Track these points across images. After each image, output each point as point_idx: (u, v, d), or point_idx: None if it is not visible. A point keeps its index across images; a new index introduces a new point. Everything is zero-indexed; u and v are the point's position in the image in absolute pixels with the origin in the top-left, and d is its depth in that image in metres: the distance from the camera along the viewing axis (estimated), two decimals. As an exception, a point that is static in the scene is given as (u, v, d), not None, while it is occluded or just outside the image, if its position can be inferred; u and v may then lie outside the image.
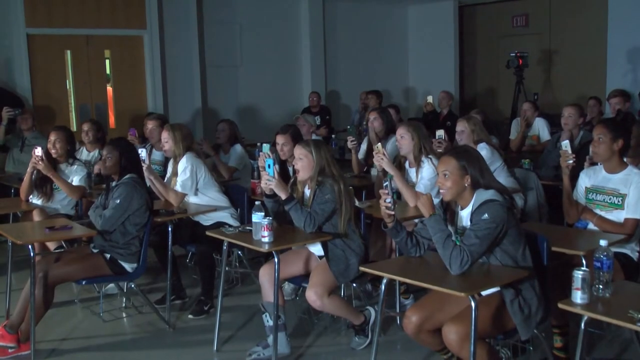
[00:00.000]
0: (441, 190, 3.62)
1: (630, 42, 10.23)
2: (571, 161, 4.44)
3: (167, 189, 5.35)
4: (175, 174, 5.40)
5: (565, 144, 4.59)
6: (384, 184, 3.81)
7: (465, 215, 3.61)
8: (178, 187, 5.33)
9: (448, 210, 3.73)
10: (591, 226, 4.28)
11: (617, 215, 4.18)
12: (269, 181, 4.27)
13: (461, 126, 5.75)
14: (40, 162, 5.37)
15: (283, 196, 4.29)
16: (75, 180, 5.69)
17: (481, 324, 3.31)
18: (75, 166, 5.73)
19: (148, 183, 5.19)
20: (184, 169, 5.32)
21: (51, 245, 5.40)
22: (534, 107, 7.88)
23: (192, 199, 5.42)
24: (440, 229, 3.51)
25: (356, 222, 4.41)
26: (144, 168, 5.11)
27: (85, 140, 6.87)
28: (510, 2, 12.35)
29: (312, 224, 4.25)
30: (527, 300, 3.45)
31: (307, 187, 4.45)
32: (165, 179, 5.56)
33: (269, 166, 4.27)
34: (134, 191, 4.69)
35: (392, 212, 3.74)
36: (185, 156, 5.36)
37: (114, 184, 4.79)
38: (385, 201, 3.71)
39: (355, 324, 4.50)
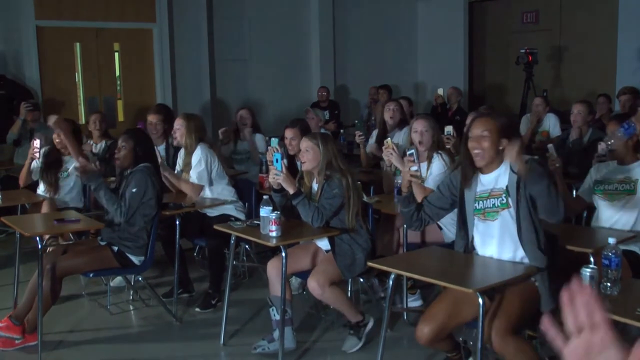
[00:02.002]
0: (475, 151, 3.47)
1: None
2: (558, 165, 4.43)
3: (184, 183, 5.36)
4: (187, 165, 5.40)
5: (551, 148, 4.61)
6: (409, 152, 3.85)
7: (492, 178, 3.52)
8: (194, 179, 5.34)
9: (466, 184, 3.63)
10: (622, 215, 4.21)
11: (629, 200, 4.17)
12: (277, 175, 4.26)
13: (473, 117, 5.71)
14: (36, 154, 5.42)
15: (291, 191, 4.28)
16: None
17: (515, 311, 3.29)
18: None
19: (165, 181, 5.27)
20: (199, 160, 5.32)
21: (66, 238, 5.42)
22: (545, 103, 7.83)
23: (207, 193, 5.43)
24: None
25: (364, 217, 4.41)
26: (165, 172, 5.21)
27: (95, 131, 6.90)
28: (521, -2, 12.31)
29: (319, 218, 4.25)
30: (552, 273, 3.42)
31: (315, 181, 4.45)
32: (176, 170, 5.56)
33: (277, 160, 4.27)
34: (148, 180, 4.69)
35: (419, 180, 3.86)
36: (198, 147, 5.36)
37: (128, 171, 4.77)
38: (410, 169, 3.81)
39: (352, 322, 4.46)
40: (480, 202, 3.55)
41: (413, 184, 3.88)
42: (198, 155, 5.34)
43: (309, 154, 4.34)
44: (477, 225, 3.59)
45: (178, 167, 5.56)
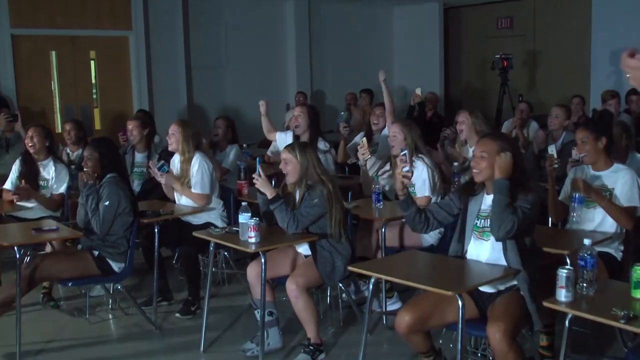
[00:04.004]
0: (474, 171, 3.63)
1: (614, 43, 10.29)
2: (556, 165, 4.48)
3: (189, 192, 5.33)
4: (184, 171, 5.37)
5: (551, 149, 4.66)
6: (402, 153, 3.87)
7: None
8: (197, 189, 5.30)
9: (463, 194, 3.76)
10: (586, 214, 4.28)
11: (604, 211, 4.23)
12: (255, 180, 4.30)
13: (462, 117, 5.79)
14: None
15: (269, 195, 4.31)
16: (60, 188, 5.71)
17: (514, 316, 3.35)
18: (58, 168, 5.73)
19: (166, 190, 5.34)
20: (199, 168, 5.29)
21: (46, 248, 5.36)
22: (530, 109, 7.96)
23: (183, 201, 5.42)
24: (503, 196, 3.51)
25: (344, 225, 4.42)
26: (162, 177, 5.24)
27: (68, 140, 6.82)
28: (495, 4, 12.41)
29: (294, 224, 4.27)
30: (536, 291, 3.46)
31: (297, 189, 4.46)
32: None
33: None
34: (119, 190, 4.68)
35: (409, 181, 3.82)
36: (197, 156, 5.34)
37: (98, 185, 4.75)
38: (402, 170, 3.77)
39: (311, 340, 4.36)
40: (481, 220, 3.64)
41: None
42: (197, 164, 5.31)
43: (288, 166, 4.37)
44: (472, 242, 3.68)
45: (176, 173, 5.51)
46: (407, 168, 3.81)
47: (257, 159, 4.38)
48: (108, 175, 4.73)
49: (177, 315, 5.17)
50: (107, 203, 4.63)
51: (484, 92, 12.44)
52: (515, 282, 3.50)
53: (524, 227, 3.46)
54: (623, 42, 10.23)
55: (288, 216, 4.28)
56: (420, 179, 5.05)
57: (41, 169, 5.76)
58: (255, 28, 11.31)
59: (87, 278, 4.73)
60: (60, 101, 9.55)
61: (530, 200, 3.47)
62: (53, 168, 5.75)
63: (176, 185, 5.37)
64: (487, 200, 3.64)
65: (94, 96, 9.92)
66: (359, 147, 5.39)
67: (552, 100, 10.01)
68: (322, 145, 5.87)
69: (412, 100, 9.94)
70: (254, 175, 4.32)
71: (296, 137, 5.99)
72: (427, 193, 5.02)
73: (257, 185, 4.33)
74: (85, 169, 4.77)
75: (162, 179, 5.37)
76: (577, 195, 4.15)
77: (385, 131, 6.18)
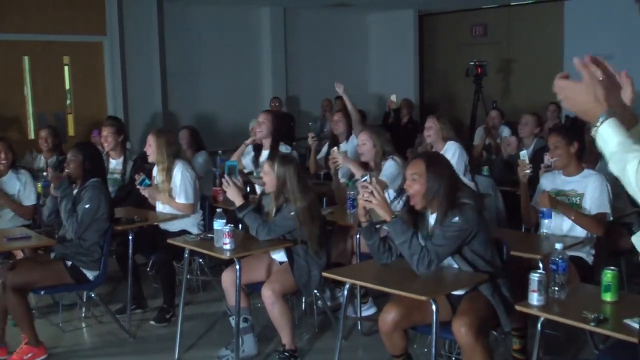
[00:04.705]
0: (410, 192, 3.61)
1: (585, 51, 10.15)
2: (528, 171, 4.53)
3: (174, 203, 5.30)
4: (164, 182, 5.32)
5: (523, 155, 4.70)
6: (363, 179, 3.83)
7: (435, 219, 3.61)
8: (182, 199, 5.27)
9: (413, 213, 3.74)
10: (555, 219, 4.31)
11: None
12: (224, 186, 4.32)
13: (430, 122, 5.84)
14: None
15: (237, 203, 4.32)
16: (29, 198, 5.66)
17: (479, 312, 3.38)
18: (22, 179, 5.69)
19: (153, 202, 5.34)
20: (181, 178, 5.26)
21: (18, 254, 5.30)
22: (501, 116, 8.04)
23: (159, 207, 5.40)
24: (403, 231, 3.52)
25: (321, 239, 4.40)
26: (145, 191, 5.25)
27: (44, 147, 6.77)
28: (470, 12, 12.50)
29: (264, 231, 4.28)
30: (504, 293, 3.51)
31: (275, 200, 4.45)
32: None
33: (229, 173, 4.31)
34: (101, 195, 4.66)
35: (372, 204, 3.63)
36: (178, 165, 5.30)
37: (78, 188, 4.72)
38: (364, 195, 3.60)
39: (285, 347, 4.36)
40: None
41: (372, 209, 3.72)
42: (180, 173, 5.27)
43: (266, 177, 4.38)
44: None
45: (155, 183, 5.47)
46: (366, 177, 3.77)
47: (226, 163, 4.37)
48: (92, 179, 4.70)
49: (152, 323, 5.15)
50: (87, 206, 4.59)
51: (459, 99, 12.52)
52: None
53: (461, 249, 3.49)
54: (595, 49, 10.33)
55: (257, 222, 4.29)
56: (388, 172, 5.09)
57: (3, 186, 5.66)
58: (230, 34, 11.29)
59: (60, 286, 4.69)
60: (34, 107, 9.44)
61: (459, 224, 3.43)
62: (17, 181, 5.69)
63: (160, 198, 5.35)
64: (431, 219, 3.64)
65: (68, 102, 9.83)
66: (330, 157, 5.41)
67: (526, 106, 10.10)
68: (283, 148, 5.88)
69: (387, 106, 10.01)
70: (223, 181, 4.32)
71: (257, 146, 6.01)
72: (388, 184, 5.02)
73: (227, 193, 4.32)
74: (66, 170, 4.74)
75: (145, 193, 5.34)
76: (545, 210, 4.20)
77: (355, 140, 6.21)
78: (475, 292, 3.54)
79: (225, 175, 4.36)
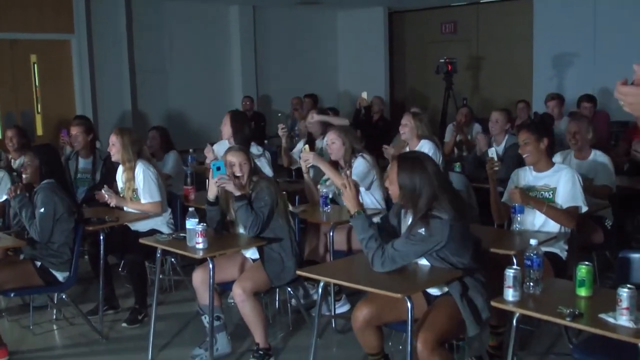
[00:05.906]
0: (390, 193, 3.63)
1: (555, 48, 10.54)
2: (497, 168, 4.55)
3: (139, 205, 5.23)
4: (129, 181, 5.25)
5: (492, 152, 4.73)
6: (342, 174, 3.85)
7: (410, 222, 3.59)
8: (147, 199, 5.20)
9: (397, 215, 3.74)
10: (527, 215, 4.33)
11: None
12: (222, 180, 4.25)
13: (406, 120, 5.85)
14: None
15: (237, 193, 4.28)
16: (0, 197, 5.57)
17: (440, 324, 3.36)
18: None
19: (113, 203, 5.20)
20: (144, 177, 5.19)
21: None
22: (470, 112, 8.08)
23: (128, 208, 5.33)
24: (364, 228, 3.53)
25: (287, 214, 4.44)
26: (111, 201, 5.14)
27: (10, 147, 6.65)
28: (439, 9, 12.56)
29: (256, 226, 4.26)
30: (473, 297, 3.48)
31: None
32: (119, 186, 5.42)
33: (218, 168, 4.28)
34: (54, 196, 4.58)
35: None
36: (139, 164, 5.23)
37: (32, 193, 4.66)
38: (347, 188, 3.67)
39: (259, 345, 4.34)
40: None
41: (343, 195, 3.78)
42: (142, 173, 5.20)
43: (243, 169, 4.39)
44: None
45: (120, 183, 5.40)
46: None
47: (219, 162, 4.33)
48: (43, 182, 4.64)
49: (124, 325, 5.08)
50: (42, 210, 4.53)
51: (429, 96, 12.58)
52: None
53: (418, 257, 3.50)
54: (563, 47, 10.51)
55: (252, 216, 4.26)
56: (358, 170, 5.09)
57: None
58: (200, 32, 11.23)
59: (30, 288, 4.63)
60: (1, 107, 9.29)
61: (422, 236, 3.39)
62: None
63: (125, 204, 5.29)
64: (408, 219, 3.62)
65: (35, 101, 9.69)
66: (301, 155, 5.40)
67: (496, 103, 10.20)
68: (254, 149, 5.83)
69: (357, 104, 10.00)
70: (221, 176, 4.26)
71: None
72: (359, 182, 5.00)
73: (225, 185, 4.28)
74: (24, 175, 4.66)
75: (112, 202, 5.26)
76: (516, 205, 4.23)
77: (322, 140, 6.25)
78: (446, 297, 3.52)
79: (224, 169, 4.31)
